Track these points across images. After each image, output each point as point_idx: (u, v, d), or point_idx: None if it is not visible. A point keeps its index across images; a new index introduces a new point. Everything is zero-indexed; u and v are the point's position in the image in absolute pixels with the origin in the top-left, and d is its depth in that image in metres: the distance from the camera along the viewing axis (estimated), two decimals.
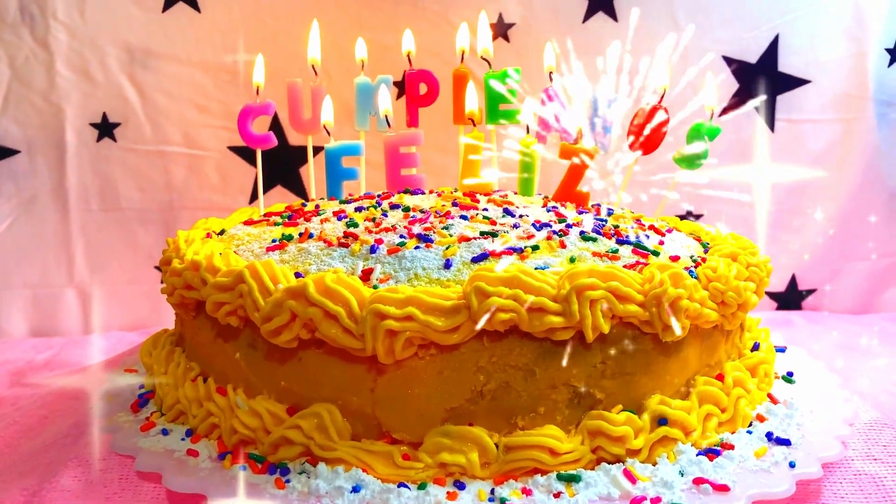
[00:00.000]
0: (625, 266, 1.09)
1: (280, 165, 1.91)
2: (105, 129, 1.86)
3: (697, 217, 1.99)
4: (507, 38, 1.88)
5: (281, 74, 1.52)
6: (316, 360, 1.02)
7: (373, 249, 1.10)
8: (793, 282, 2.04)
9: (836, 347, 1.82)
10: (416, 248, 1.09)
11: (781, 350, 1.40)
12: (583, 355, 1.02)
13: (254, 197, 1.92)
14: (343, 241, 1.13)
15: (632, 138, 1.45)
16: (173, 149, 1.89)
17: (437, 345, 0.99)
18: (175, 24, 1.83)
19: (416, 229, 1.15)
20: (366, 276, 1.06)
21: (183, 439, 1.09)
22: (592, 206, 1.35)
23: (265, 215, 1.34)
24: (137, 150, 1.88)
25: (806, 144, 1.97)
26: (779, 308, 2.06)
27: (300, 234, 1.18)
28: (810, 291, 2.05)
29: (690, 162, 1.44)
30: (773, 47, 1.93)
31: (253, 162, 1.89)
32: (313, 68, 1.47)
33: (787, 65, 1.94)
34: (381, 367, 1.00)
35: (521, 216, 1.22)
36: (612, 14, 1.88)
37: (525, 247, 1.10)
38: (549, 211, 1.26)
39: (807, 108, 1.95)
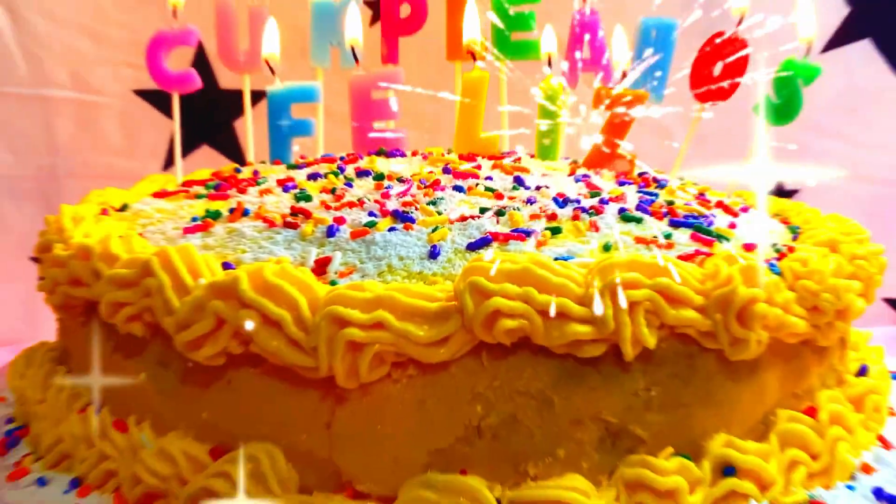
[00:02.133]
0: (680, 257, 1.12)
1: (207, 116, 1.94)
2: None
3: (790, 194, 2.02)
4: None
5: None
6: (251, 383, 1.05)
7: (331, 231, 1.13)
8: None
9: None
10: (392, 229, 1.12)
11: None
12: (619, 379, 1.05)
13: (170, 161, 1.95)
14: (290, 219, 1.16)
15: (698, 82, 1.48)
16: (57, 93, 1.91)
17: (417, 363, 1.02)
18: None
19: (392, 204, 1.18)
20: (321, 267, 1.09)
21: (66, 491, 1.12)
22: (639, 175, 1.38)
23: (183, 185, 1.37)
24: (8, 93, 1.90)
25: None
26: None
27: (231, 211, 1.21)
28: None
29: (780, 114, 1.46)
30: None
31: (168, 112, 1.91)
32: None
33: None
34: (340, 393, 1.03)
35: (538, 188, 1.25)
36: None
37: (543, 229, 1.13)
38: (577, 181, 1.29)
39: None
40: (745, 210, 1.31)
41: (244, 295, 1.02)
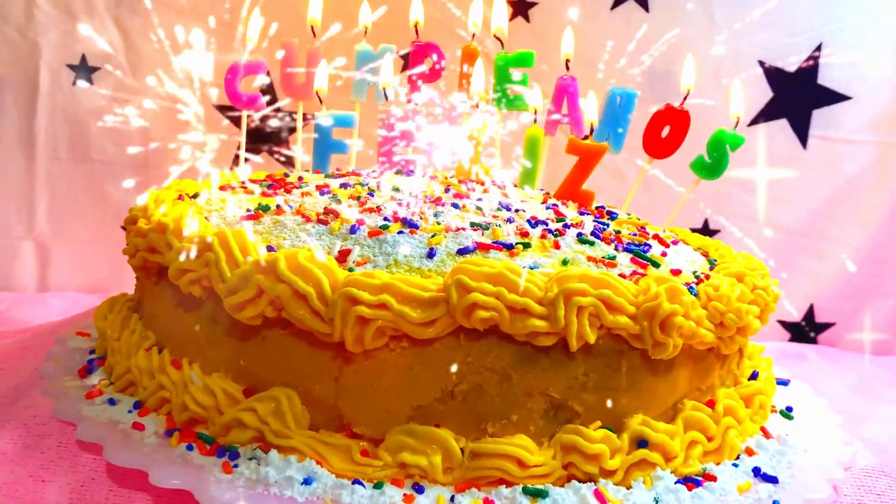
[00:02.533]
0: (620, 275, 1.12)
1: (269, 131, 1.94)
2: (83, 72, 1.89)
3: (713, 233, 2.02)
4: (527, 18, 1.90)
5: (280, 33, 1.55)
6: (280, 341, 1.05)
7: (353, 230, 1.13)
8: (810, 312, 2.07)
9: (849, 388, 1.84)
10: (400, 232, 1.12)
11: (784, 383, 1.43)
12: (564, 365, 1.05)
13: (237, 162, 1.95)
14: (322, 217, 1.16)
15: (649, 140, 1.48)
16: (155, 102, 1.91)
17: (409, 338, 1.02)
18: None
19: (402, 213, 1.18)
20: (342, 256, 1.09)
21: (130, 411, 1.12)
22: (596, 207, 1.38)
23: (244, 182, 1.37)
24: (115, 98, 1.91)
25: (839, 166, 2.00)
26: (792, 339, 2.09)
27: (277, 206, 1.21)
28: (828, 325, 2.08)
29: (709, 171, 1.47)
30: (814, 57, 1.96)
31: (239, 124, 1.92)
32: (312, 29, 1.49)
33: (827, 77, 1.96)
34: (348, 355, 1.03)
35: (517, 210, 1.25)
36: (643, 3, 1.91)
37: (516, 243, 1.13)
38: (548, 208, 1.29)
39: (844, 126, 1.98)
40: (675, 243, 1.31)
41: (281, 273, 1.02)
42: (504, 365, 1.04)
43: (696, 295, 1.14)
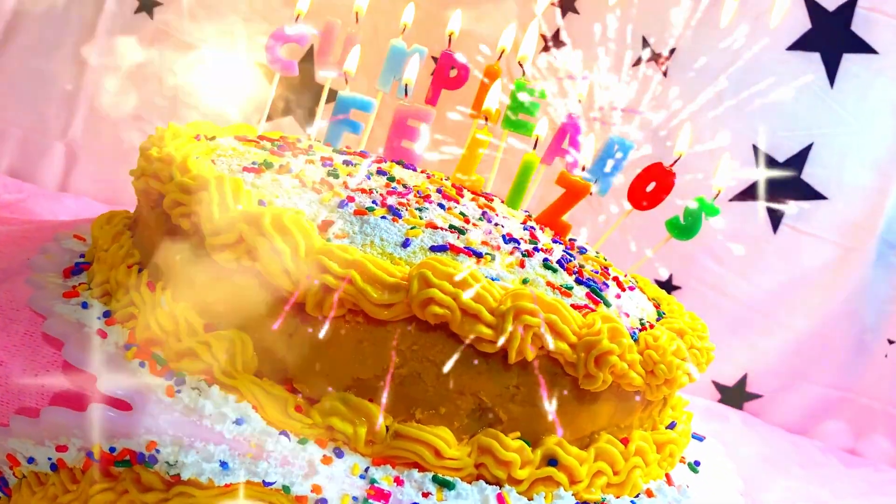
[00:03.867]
0: (572, 305, 1.09)
1: (302, 98, 1.91)
2: (146, 3, 1.86)
3: (675, 288, 2.00)
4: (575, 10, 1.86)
5: (328, 11, 1.52)
6: (248, 285, 1.02)
7: (341, 204, 1.10)
8: (743, 381, 2.04)
9: (759, 458, 1.83)
10: (383, 217, 1.09)
11: (699, 439, 1.40)
12: (500, 374, 1.02)
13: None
14: (317, 186, 1.13)
15: (634, 190, 1.45)
16: (203, 47, 1.88)
17: (366, 315, 0.99)
18: None
19: (391, 201, 1.15)
20: (324, 226, 1.06)
21: (99, 318, 1.09)
22: (570, 239, 1.35)
23: (259, 137, 1.34)
24: (169, 36, 1.87)
25: (802, 257, 1.98)
26: (721, 401, 2.06)
27: (280, 166, 1.18)
28: (756, 396, 2.05)
29: (682, 232, 1.44)
30: (803, 154, 1.94)
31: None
32: (356, 15, 1.46)
33: (810, 174, 1.94)
34: (306, 316, 1.00)
35: (496, 224, 1.22)
36: (665, 71, 1.88)
37: (486, 253, 1.10)
38: (525, 229, 1.26)
39: (815, 223, 1.95)
40: (632, 289, 1.28)
41: (263, 226, 1.00)
42: (445, 360, 1.01)
43: (636, 340, 1.11)
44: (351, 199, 1.12)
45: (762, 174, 1.94)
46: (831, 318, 1.98)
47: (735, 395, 2.05)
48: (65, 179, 1.94)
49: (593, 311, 1.10)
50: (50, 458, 1.01)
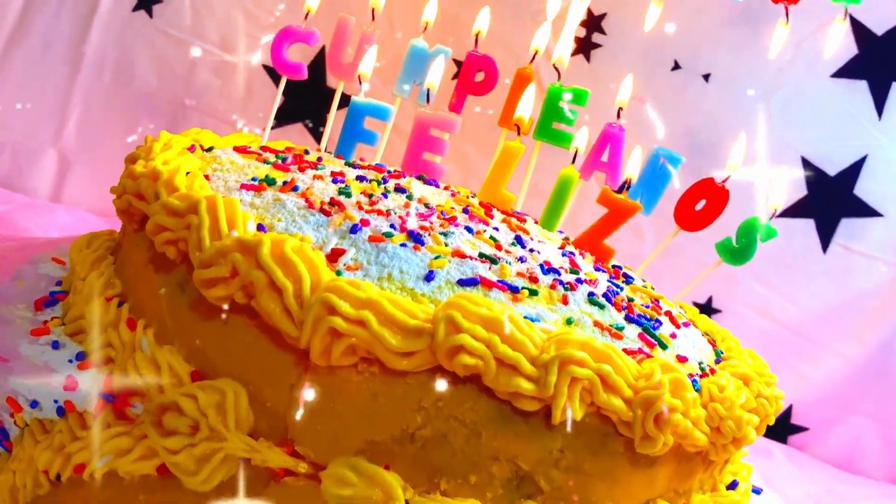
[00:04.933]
0: (625, 350, 0.91)
1: (311, 103, 1.74)
2: (145, 0, 1.69)
3: (714, 311, 1.81)
4: (587, 58, 1.69)
5: (341, 7, 1.35)
6: (243, 330, 0.85)
7: (354, 229, 0.92)
8: (787, 412, 1.85)
9: (806, 497, 1.65)
10: (403, 245, 0.92)
11: (757, 492, 1.21)
12: (541, 435, 0.84)
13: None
14: (326, 207, 0.96)
15: (681, 209, 1.27)
16: (207, 47, 1.71)
17: (382, 364, 0.82)
18: None
19: (412, 224, 0.97)
20: (334, 256, 0.89)
21: (71, 361, 0.92)
22: (613, 266, 1.17)
23: (262, 148, 1.17)
24: (170, 35, 1.71)
25: (853, 278, 1.79)
26: (764, 434, 1.87)
27: (284, 182, 1.00)
28: (802, 429, 1.86)
29: (734, 256, 1.26)
30: (856, 166, 1.75)
31: (285, 91, 1.72)
32: (372, 12, 1.29)
33: (864, 189, 1.75)
34: (311, 365, 0.82)
35: (531, 250, 1.04)
36: (706, 76, 1.69)
37: (523, 288, 0.92)
38: (564, 255, 1.08)
39: (868, 241, 1.77)
40: (686, 325, 1.10)
41: (262, 257, 0.82)
42: (476, 420, 0.83)
43: (698, 390, 0.93)
44: (365, 222, 0.94)
45: (812, 188, 1.76)
46: (884, 344, 1.79)
47: (779, 428, 1.86)
48: (58, 189, 1.77)
49: (649, 356, 0.92)
50: (56, 401, 0.87)
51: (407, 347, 0.81)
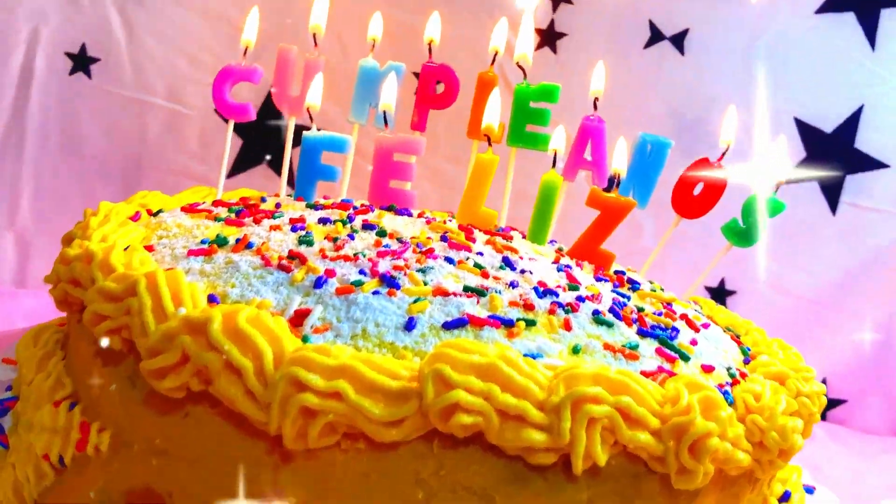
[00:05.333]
0: (643, 372, 0.79)
1: (270, 142, 1.62)
2: (81, 62, 1.58)
3: (728, 294, 1.69)
4: (554, 49, 1.58)
5: (282, 38, 1.23)
6: (206, 421, 0.73)
7: (318, 283, 0.81)
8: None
9: (856, 474, 1.52)
10: (375, 292, 0.80)
11: (810, 491, 1.09)
12: (564, 489, 0.72)
13: (234, 171, 1.64)
14: (285, 262, 0.84)
15: (679, 197, 1.15)
16: (154, 99, 1.60)
17: (368, 439, 0.70)
18: None
19: (384, 266, 0.85)
20: (298, 318, 0.77)
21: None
22: (616, 272, 1.05)
23: (214, 203, 1.05)
24: (113, 93, 1.59)
25: (867, 236, 1.66)
26: None
27: (237, 240, 0.89)
28: (840, 402, 1.74)
29: (742, 238, 1.15)
30: (853, 119, 1.63)
31: (241, 131, 1.61)
32: (314, 37, 1.17)
33: (865, 141, 1.63)
34: (287, 451, 0.71)
35: (522, 272, 0.92)
36: (679, 46, 1.58)
37: (518, 319, 0.81)
38: (560, 270, 0.97)
39: (878, 195, 1.65)
40: (706, 326, 0.98)
41: (213, 336, 0.70)
42: (486, 485, 0.71)
43: (732, 404, 0.81)
44: (331, 273, 0.82)
45: (810, 149, 1.64)
46: None
47: None
48: (21, 273, 1.65)
49: (671, 374, 0.81)
50: None
51: (393, 415, 0.69)
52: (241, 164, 1.64)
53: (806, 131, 1.63)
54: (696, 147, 1.25)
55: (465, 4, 1.51)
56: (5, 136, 1.59)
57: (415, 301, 0.80)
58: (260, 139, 1.61)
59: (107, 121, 1.60)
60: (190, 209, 1.01)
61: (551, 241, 1.14)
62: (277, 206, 1.04)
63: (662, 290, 1.08)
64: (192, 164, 1.62)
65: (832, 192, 1.66)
